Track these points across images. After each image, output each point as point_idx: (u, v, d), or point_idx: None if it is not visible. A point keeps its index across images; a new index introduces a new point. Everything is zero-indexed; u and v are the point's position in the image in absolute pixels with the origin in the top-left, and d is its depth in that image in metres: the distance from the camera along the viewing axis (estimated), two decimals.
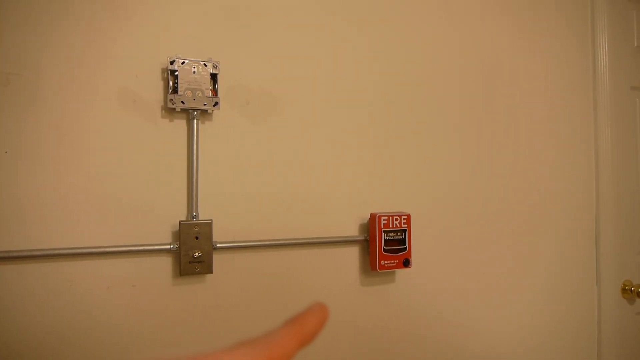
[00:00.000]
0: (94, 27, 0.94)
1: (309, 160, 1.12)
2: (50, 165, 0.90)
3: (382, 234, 1.12)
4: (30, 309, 0.88)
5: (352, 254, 1.15)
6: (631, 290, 1.53)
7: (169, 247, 0.96)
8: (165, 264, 0.98)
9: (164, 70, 0.99)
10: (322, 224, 1.12)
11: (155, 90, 0.98)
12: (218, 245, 0.99)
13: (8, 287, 0.86)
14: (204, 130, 1.02)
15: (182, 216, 0.99)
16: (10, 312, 0.86)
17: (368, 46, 1.19)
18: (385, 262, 1.12)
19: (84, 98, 0.93)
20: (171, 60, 0.96)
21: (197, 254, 0.96)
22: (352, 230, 1.16)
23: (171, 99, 0.96)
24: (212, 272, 0.98)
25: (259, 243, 1.04)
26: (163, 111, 0.99)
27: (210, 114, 1.02)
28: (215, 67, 1.00)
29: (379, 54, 1.21)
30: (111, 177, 0.94)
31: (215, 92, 1.00)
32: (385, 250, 1.12)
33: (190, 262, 0.96)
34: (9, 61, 0.88)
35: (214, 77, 1.00)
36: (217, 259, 1.01)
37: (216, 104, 1.00)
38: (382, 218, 1.12)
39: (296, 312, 1.08)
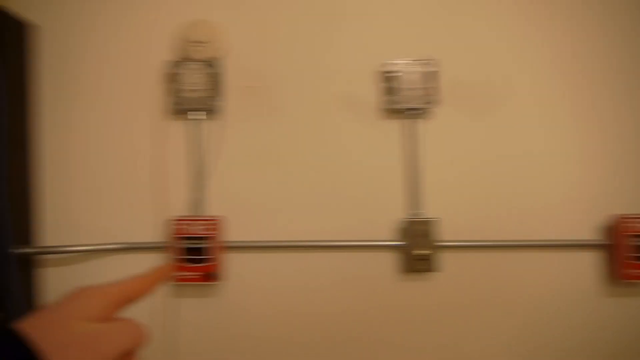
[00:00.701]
0: (320, 40, 1.05)
1: (536, 158, 1.02)
2: (287, 166, 1.03)
3: (633, 239, 0.96)
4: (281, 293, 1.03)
5: (592, 259, 1.01)
6: None
7: (395, 243, 1.00)
8: (391, 260, 1.02)
9: (384, 72, 1.02)
10: (554, 225, 1.01)
11: (376, 92, 1.03)
12: (443, 243, 0.98)
13: (267, 272, 1.03)
14: (425, 128, 1.02)
15: (407, 214, 1.01)
16: (265, 295, 1.03)
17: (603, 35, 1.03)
18: (636, 271, 0.96)
19: (314, 103, 1.04)
20: (390, 62, 0.99)
21: (421, 252, 0.98)
22: (592, 233, 1.01)
23: (392, 100, 0.99)
24: (436, 271, 0.98)
25: (484, 243, 1.00)
26: (383, 112, 1.03)
27: (431, 112, 1.02)
28: (433, 65, 0.99)
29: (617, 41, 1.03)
30: (340, 176, 1.03)
31: (434, 90, 1.00)
32: (635, 258, 0.96)
33: (415, 260, 0.98)
34: (248, 76, 1.04)
35: (432, 75, 1.00)
36: (442, 257, 1.00)
37: (436, 102, 0.99)
38: (632, 220, 0.96)
39: (522, 320, 1.01)
